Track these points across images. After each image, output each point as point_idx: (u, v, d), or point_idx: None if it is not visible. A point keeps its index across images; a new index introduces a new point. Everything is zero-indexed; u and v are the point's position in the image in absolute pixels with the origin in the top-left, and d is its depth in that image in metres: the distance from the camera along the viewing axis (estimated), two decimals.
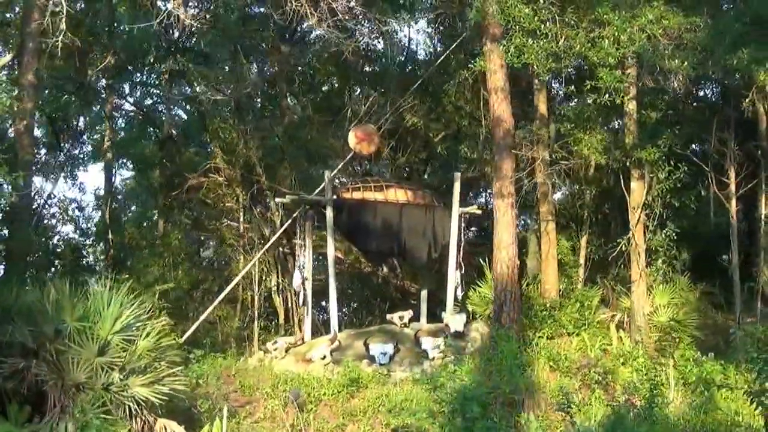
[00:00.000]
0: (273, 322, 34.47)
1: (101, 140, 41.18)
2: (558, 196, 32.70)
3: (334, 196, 28.19)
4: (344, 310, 38.88)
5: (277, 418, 22.04)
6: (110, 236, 37.59)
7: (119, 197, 44.82)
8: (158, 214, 40.38)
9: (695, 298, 30.07)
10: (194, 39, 36.42)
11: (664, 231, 26.85)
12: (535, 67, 24.06)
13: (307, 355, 26.03)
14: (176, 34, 35.92)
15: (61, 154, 38.87)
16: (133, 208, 46.70)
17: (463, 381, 23.00)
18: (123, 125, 44.36)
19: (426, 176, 39.74)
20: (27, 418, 17.05)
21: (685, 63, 23.79)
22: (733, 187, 29.15)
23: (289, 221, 29.81)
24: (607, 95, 23.63)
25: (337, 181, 31.86)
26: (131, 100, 42.35)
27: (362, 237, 29.35)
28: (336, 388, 23.26)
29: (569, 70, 26.67)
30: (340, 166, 30.54)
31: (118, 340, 18.11)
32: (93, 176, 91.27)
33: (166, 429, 18.21)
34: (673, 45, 24.33)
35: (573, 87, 28.13)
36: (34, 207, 33.48)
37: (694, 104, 31.54)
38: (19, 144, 26.03)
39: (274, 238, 31.12)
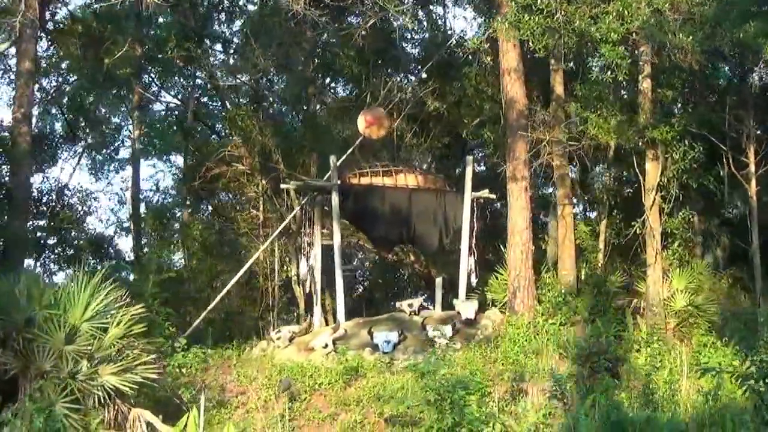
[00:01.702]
0: (294, 312, 34.35)
1: (128, 131, 41.44)
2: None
3: (338, 182, 27.84)
4: (368, 297, 38.80)
5: (270, 408, 21.79)
6: (132, 227, 37.88)
7: (149, 188, 45.13)
8: (182, 204, 40.50)
9: (728, 284, 29.62)
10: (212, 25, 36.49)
11: (680, 213, 26.44)
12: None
13: (310, 344, 25.85)
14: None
15: (75, 144, 38.87)
16: (161, 198, 46.83)
17: (464, 368, 22.81)
18: (151, 116, 44.33)
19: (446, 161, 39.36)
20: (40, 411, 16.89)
21: (691, 38, 23.18)
22: (752, 167, 28.50)
23: (297, 209, 29.62)
24: (609, 72, 23.09)
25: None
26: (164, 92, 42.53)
27: (369, 223, 29.05)
28: (333, 377, 23.01)
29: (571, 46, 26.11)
30: (350, 151, 30.23)
31: (88, 327, 17.94)
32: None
33: (140, 418, 17.98)
34: (681, 19, 23.75)
35: (572, 65, 27.68)
36: (52, 198, 33.76)
37: (711, 82, 30.66)
38: (17, 132, 26.12)
39: (281, 227, 31.01)
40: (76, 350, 17.59)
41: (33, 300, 17.93)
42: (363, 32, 29.87)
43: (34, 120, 39.43)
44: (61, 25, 34.94)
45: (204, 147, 38.83)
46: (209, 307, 28.93)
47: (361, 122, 29.45)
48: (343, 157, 29.58)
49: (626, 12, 23.09)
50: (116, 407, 17.92)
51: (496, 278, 29.29)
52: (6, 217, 26.00)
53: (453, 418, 18.89)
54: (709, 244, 33.96)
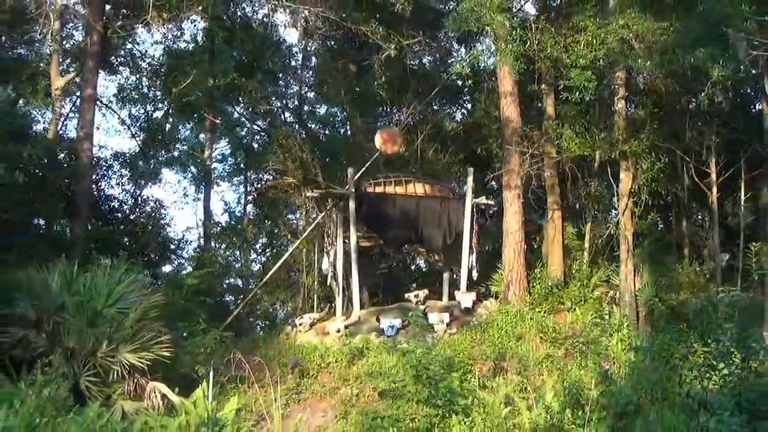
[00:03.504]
0: (332, 303, 34.17)
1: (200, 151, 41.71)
2: None
3: (353, 190, 27.55)
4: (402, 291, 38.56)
5: (281, 383, 21.57)
6: (203, 232, 38.11)
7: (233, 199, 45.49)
8: (244, 212, 40.75)
9: (705, 279, 28.97)
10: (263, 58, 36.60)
11: (650, 216, 26.00)
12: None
13: (326, 328, 25.68)
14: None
15: (149, 161, 38.95)
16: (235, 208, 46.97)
17: (454, 349, 22.55)
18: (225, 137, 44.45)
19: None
20: (31, 381, 16.87)
21: (649, 62, 22.76)
22: (713, 176, 27.84)
23: (323, 214, 29.43)
24: (578, 93, 22.67)
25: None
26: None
27: (381, 226, 28.73)
28: (339, 357, 22.80)
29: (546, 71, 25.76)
30: (368, 164, 29.85)
31: (111, 312, 17.91)
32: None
33: (155, 390, 17.88)
34: (644, 47, 23.35)
35: (542, 86, 27.39)
36: (127, 208, 33.93)
37: (678, 101, 29.93)
38: (80, 148, 26.34)
39: (308, 230, 30.96)
40: (98, 332, 17.54)
41: (64, 289, 17.96)
42: (382, 62, 29.87)
43: (116, 140, 40.13)
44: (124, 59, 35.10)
45: (264, 163, 38.87)
46: (248, 298, 28.83)
47: (378, 140, 29.24)
48: (363, 169, 29.19)
49: (594, 41, 22.79)
50: (135, 380, 17.84)
51: (500, 274, 28.85)
52: (69, 221, 26.18)
53: (429, 391, 18.67)
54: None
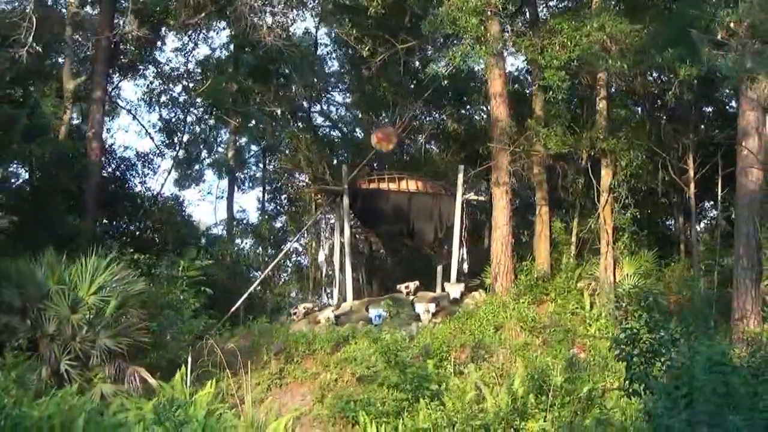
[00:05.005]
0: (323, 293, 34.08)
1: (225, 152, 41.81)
2: None
3: (346, 186, 27.43)
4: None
5: (267, 369, 21.50)
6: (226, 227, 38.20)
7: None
8: (262, 208, 40.86)
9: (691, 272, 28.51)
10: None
11: (629, 211, 25.60)
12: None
13: (318, 317, 25.52)
14: None
15: (164, 158, 39.08)
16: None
17: (436, 338, 22.41)
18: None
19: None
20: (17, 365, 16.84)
21: (619, 63, 22.42)
22: (691, 173, 27.38)
23: (322, 210, 29.34)
24: (551, 92, 22.39)
25: None
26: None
27: (375, 220, 28.67)
28: (325, 344, 22.61)
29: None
30: (364, 163, 29.62)
31: (94, 300, 17.81)
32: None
33: (135, 374, 17.81)
34: (618, 49, 23.02)
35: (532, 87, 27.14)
36: (149, 205, 33.99)
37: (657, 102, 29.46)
38: (90, 147, 26.39)
39: (308, 224, 30.83)
40: (79, 318, 17.49)
41: (49, 278, 17.93)
42: (378, 66, 29.75)
43: (143, 142, 40.23)
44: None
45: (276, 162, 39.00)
46: (250, 289, 28.71)
47: (374, 138, 29.15)
48: (360, 166, 28.99)
49: (569, 43, 22.51)
50: (116, 365, 17.77)
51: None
52: (77, 216, 26.26)
53: (398, 376, 18.58)
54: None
